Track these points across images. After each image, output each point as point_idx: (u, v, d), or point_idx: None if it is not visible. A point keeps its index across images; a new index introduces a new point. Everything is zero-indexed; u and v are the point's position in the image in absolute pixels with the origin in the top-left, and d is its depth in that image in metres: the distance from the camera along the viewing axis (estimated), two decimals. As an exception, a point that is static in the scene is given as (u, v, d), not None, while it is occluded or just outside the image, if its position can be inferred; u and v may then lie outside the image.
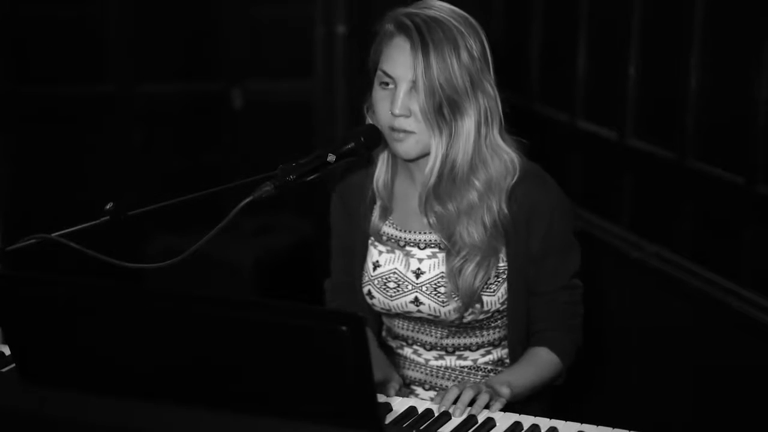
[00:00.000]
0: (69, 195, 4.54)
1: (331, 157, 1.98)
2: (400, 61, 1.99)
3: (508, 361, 2.18)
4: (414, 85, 1.98)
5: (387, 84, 2.02)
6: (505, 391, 1.95)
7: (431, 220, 2.09)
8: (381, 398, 1.87)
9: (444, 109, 1.98)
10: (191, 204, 1.97)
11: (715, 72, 3.26)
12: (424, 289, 2.11)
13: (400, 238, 2.15)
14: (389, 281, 2.14)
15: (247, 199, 1.89)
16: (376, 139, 2.05)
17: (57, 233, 1.85)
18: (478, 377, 2.19)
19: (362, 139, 2.02)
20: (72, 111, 4.72)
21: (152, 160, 4.80)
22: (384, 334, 2.29)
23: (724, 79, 3.23)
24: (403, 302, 2.13)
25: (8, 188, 4.59)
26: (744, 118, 3.08)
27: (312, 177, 1.97)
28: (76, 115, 4.72)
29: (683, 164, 3.35)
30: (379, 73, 2.04)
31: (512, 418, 1.86)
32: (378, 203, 2.17)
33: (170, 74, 4.83)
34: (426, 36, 1.97)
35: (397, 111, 1.99)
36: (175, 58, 4.82)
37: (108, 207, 1.89)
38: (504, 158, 2.05)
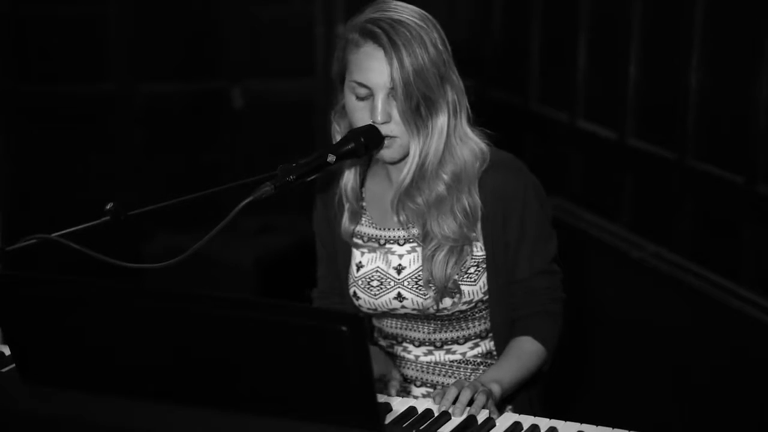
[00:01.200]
0: (69, 195, 4.55)
1: (331, 158, 1.98)
2: (374, 69, 1.99)
3: (496, 352, 2.19)
4: (391, 91, 1.99)
5: (362, 94, 2.02)
6: (497, 389, 1.95)
7: (401, 218, 2.11)
8: (381, 398, 1.87)
9: (421, 109, 2.00)
10: (191, 204, 1.97)
11: (715, 72, 3.26)
12: (405, 283, 2.12)
13: (380, 236, 2.16)
14: (372, 280, 2.15)
15: (247, 200, 1.89)
16: (376, 140, 2.05)
17: (57, 233, 1.85)
18: (468, 371, 2.19)
19: (362, 139, 2.02)
20: (72, 110, 4.73)
21: (152, 160, 4.81)
22: (375, 335, 2.30)
23: (724, 79, 3.23)
24: (387, 299, 2.14)
25: (8, 188, 4.59)
26: (744, 118, 3.08)
27: (312, 177, 1.97)
28: (76, 114, 4.73)
29: (683, 164, 3.36)
30: (351, 84, 2.03)
31: (512, 418, 1.86)
32: (347, 206, 2.18)
33: (170, 74, 4.83)
34: (396, 39, 1.97)
35: (379, 119, 2.00)
36: (176, 57, 4.82)
37: (108, 207, 1.89)
38: (472, 147, 2.07)
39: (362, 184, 2.18)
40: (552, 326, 2.15)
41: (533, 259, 2.12)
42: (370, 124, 2.06)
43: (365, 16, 2.03)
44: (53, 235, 1.85)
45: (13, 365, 1.85)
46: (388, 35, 1.98)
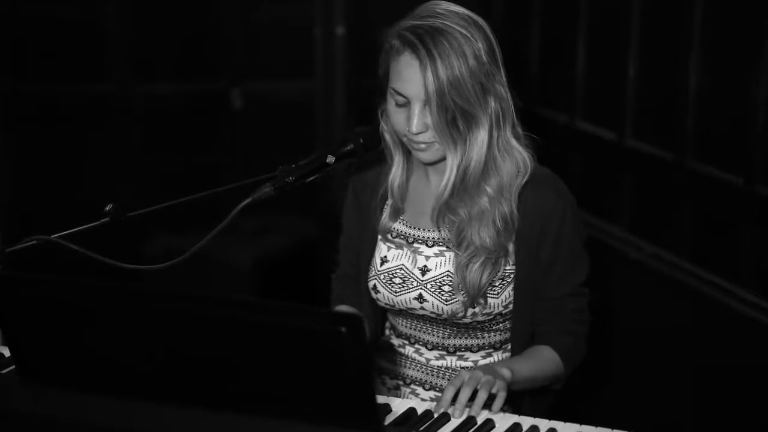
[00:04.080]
0: (69, 195, 4.54)
1: (331, 159, 1.99)
2: (411, 80, 1.97)
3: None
4: (427, 102, 1.98)
5: (400, 101, 2.01)
6: (506, 372, 1.95)
7: (441, 230, 2.10)
8: (380, 399, 1.88)
9: (458, 122, 1.98)
10: (191, 205, 1.97)
11: (714, 73, 3.26)
12: (428, 286, 2.11)
13: (410, 234, 2.16)
14: (395, 276, 2.15)
15: (247, 201, 1.89)
16: (375, 141, 2.05)
17: (57, 234, 1.85)
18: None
19: (361, 140, 2.03)
20: (72, 111, 4.72)
21: (152, 160, 4.81)
22: (388, 332, 2.30)
23: (723, 79, 3.23)
24: (407, 298, 2.14)
25: (8, 188, 4.59)
26: (743, 118, 3.08)
27: (311, 178, 1.98)
28: (76, 115, 4.72)
29: (682, 165, 3.36)
30: (391, 89, 2.02)
31: (512, 419, 1.86)
32: (390, 202, 2.18)
33: (170, 74, 4.83)
34: (433, 51, 1.94)
35: (414, 129, 1.99)
36: (175, 58, 4.82)
37: (108, 208, 1.89)
38: (516, 158, 2.05)
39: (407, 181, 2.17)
40: (574, 346, 2.14)
41: (563, 280, 2.12)
42: (369, 125, 2.07)
43: (409, 21, 2.00)
44: (53, 236, 1.85)
45: (13, 366, 1.85)
46: (425, 46, 1.95)
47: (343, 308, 2.26)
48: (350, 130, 2.08)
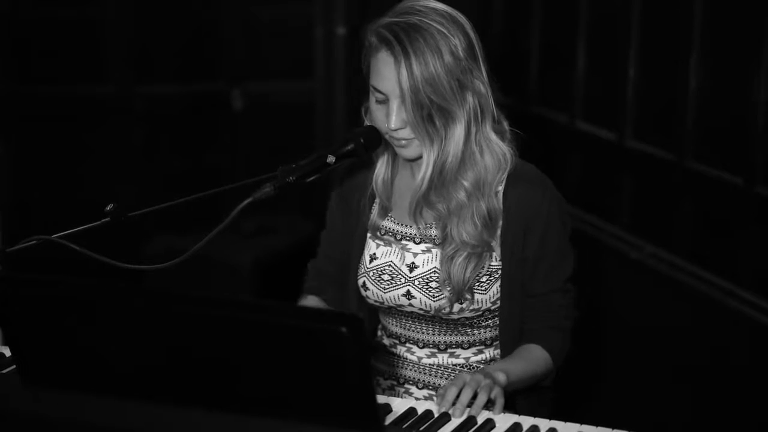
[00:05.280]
0: (69, 195, 4.55)
1: (331, 159, 1.99)
2: (387, 77, 2.00)
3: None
4: (403, 98, 1.99)
5: (379, 98, 2.03)
6: (502, 377, 1.95)
7: (419, 223, 2.11)
8: (381, 399, 1.88)
9: (434, 118, 1.99)
10: (191, 205, 1.97)
11: (714, 73, 3.26)
12: (416, 283, 2.12)
13: (397, 231, 2.17)
14: (384, 273, 2.15)
15: (247, 201, 1.89)
16: (375, 141, 2.06)
17: (57, 234, 1.86)
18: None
19: (362, 140, 2.03)
20: (72, 111, 4.73)
21: (152, 161, 4.81)
22: (380, 333, 2.30)
23: (723, 80, 3.24)
24: (395, 295, 2.14)
25: (8, 188, 4.60)
26: (743, 119, 3.09)
27: (312, 178, 1.98)
28: (76, 115, 4.73)
29: (682, 165, 3.36)
30: (371, 86, 2.04)
31: (512, 418, 1.86)
32: (377, 201, 2.19)
33: (170, 75, 4.83)
34: (408, 48, 1.96)
35: (392, 126, 2.01)
36: (175, 59, 4.83)
37: (108, 208, 1.89)
38: (496, 152, 2.06)
39: (392, 179, 2.18)
40: (562, 341, 2.15)
41: (550, 276, 2.12)
42: (370, 126, 2.07)
43: (387, 18, 2.02)
44: (54, 236, 1.85)
45: (14, 366, 1.85)
46: (400, 43, 1.97)
47: (310, 300, 2.27)
48: (350, 130, 2.08)
